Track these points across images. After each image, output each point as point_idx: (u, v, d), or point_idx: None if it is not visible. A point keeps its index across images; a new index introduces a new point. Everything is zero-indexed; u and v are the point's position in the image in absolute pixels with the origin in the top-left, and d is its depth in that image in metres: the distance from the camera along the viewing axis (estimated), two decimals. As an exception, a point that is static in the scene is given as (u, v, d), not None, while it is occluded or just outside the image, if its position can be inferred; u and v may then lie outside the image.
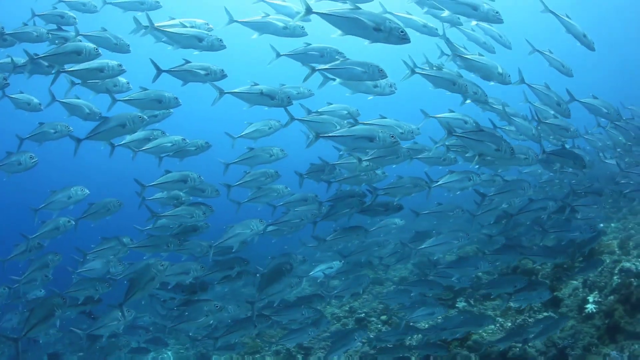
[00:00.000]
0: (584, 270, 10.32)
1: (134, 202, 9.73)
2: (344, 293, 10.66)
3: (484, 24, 9.24)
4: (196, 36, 8.59)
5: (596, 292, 10.75)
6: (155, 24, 8.74)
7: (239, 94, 8.95)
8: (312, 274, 10.96)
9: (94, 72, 8.39)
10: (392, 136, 7.89)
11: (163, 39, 8.92)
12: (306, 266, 11.30)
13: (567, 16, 9.17)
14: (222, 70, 8.80)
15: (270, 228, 9.70)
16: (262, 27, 8.77)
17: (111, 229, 10.02)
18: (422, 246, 9.14)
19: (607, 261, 11.22)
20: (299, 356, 11.27)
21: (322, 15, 7.01)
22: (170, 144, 9.42)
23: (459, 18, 8.74)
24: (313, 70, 7.84)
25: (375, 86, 8.57)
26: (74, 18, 9.37)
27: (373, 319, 12.72)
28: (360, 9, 7.05)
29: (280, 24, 8.67)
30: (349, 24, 6.98)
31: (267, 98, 8.91)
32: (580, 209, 9.92)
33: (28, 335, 7.91)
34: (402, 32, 6.97)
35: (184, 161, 9.95)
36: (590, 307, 10.35)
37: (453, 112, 9.28)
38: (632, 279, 10.07)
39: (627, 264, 10.46)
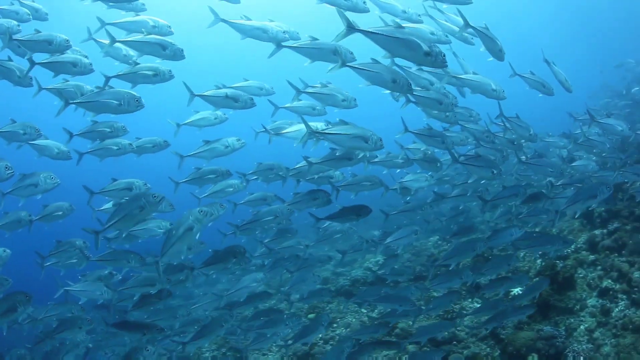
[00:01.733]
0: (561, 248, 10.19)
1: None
2: (293, 290, 11.02)
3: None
4: (160, 44, 8.68)
5: (522, 275, 11.25)
6: (117, 21, 9.00)
7: (206, 96, 9.33)
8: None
9: (67, 66, 8.43)
10: (380, 139, 8.11)
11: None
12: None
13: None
14: (170, 70, 8.91)
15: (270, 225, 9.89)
16: (245, 31, 8.81)
17: (73, 233, 9.82)
18: (386, 241, 9.60)
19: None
20: None
21: (368, 34, 6.47)
22: (116, 148, 9.44)
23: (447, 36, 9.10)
24: (343, 64, 7.05)
25: (344, 100, 8.86)
26: (28, 14, 9.20)
27: (302, 319, 12.77)
28: (403, 27, 6.67)
29: (262, 29, 8.73)
30: (401, 45, 6.53)
31: (232, 101, 9.31)
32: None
33: None
34: (444, 56, 6.73)
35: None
36: (516, 290, 10.68)
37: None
38: (557, 261, 10.82)
39: (552, 248, 11.18)
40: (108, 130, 9.17)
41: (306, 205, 9.57)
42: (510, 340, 9.40)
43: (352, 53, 7.86)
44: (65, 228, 10.09)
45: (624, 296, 9.69)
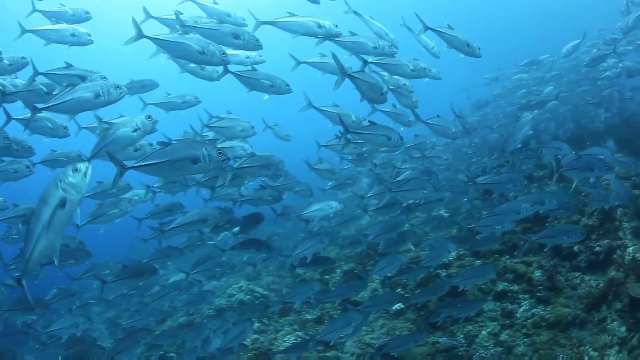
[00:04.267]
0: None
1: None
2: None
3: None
4: (79, 75, 7.95)
5: (400, 289, 11.13)
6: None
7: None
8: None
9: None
10: (281, 161, 8.99)
11: None
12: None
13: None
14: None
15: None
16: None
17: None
18: (295, 253, 9.49)
19: (404, 260, 11.26)
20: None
21: (353, 78, 7.71)
22: (14, 171, 8.80)
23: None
24: (347, 131, 8.06)
25: (242, 130, 9.39)
26: None
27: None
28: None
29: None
30: (369, 88, 7.88)
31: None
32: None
33: None
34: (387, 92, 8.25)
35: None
36: (397, 305, 10.63)
37: None
38: (439, 270, 10.71)
39: (429, 258, 10.17)
40: (14, 147, 8.40)
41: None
42: (404, 357, 9.19)
43: (288, 85, 8.69)
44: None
45: (527, 296, 9.86)
